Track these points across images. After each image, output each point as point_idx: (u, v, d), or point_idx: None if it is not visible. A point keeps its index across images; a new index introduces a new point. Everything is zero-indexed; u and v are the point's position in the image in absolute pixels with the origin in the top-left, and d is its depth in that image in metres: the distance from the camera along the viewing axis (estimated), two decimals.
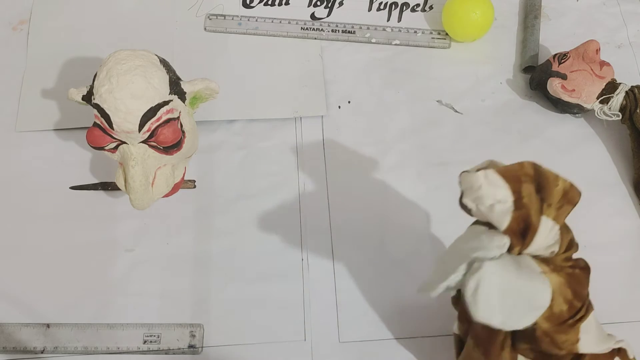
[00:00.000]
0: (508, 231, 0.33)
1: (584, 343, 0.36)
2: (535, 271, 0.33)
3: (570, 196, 0.33)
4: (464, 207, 0.34)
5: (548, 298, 0.33)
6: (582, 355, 0.37)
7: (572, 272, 0.35)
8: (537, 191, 0.33)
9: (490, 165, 0.34)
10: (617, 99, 0.54)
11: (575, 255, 0.36)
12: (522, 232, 0.33)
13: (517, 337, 0.37)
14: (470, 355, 0.39)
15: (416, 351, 0.48)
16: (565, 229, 0.36)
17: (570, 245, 0.36)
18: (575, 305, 0.35)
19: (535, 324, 0.33)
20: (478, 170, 0.33)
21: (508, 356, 0.37)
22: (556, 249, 0.35)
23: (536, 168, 0.33)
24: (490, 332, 0.36)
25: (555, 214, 0.33)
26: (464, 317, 0.40)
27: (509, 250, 0.33)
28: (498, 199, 0.32)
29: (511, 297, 0.32)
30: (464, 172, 0.34)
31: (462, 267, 0.33)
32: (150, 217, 0.53)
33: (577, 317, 0.35)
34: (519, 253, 0.34)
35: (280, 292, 0.51)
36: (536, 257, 0.35)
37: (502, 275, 0.32)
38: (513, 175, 0.32)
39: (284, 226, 0.53)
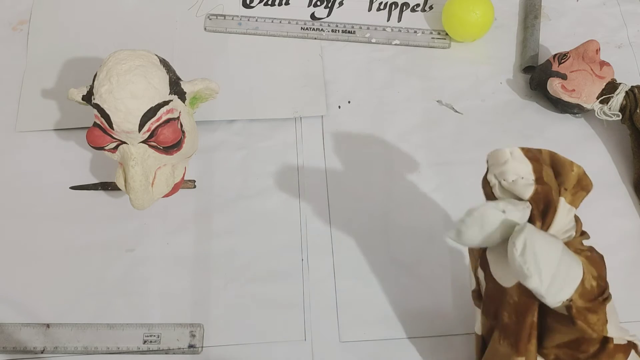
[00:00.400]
0: (531, 201, 0.34)
1: (610, 326, 0.36)
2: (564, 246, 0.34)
3: (584, 183, 0.35)
4: (486, 184, 0.36)
5: (580, 271, 0.33)
6: (607, 342, 0.36)
7: (591, 255, 0.36)
8: (555, 176, 0.35)
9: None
10: (617, 99, 0.54)
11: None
12: (543, 210, 0.34)
13: (548, 327, 0.36)
14: (496, 350, 0.39)
15: (416, 351, 0.48)
16: (576, 217, 0.37)
17: (583, 232, 0.37)
18: (601, 284, 0.35)
19: (570, 300, 0.33)
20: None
21: (534, 348, 0.37)
22: (573, 233, 0.36)
23: (552, 155, 0.36)
24: (519, 319, 0.36)
25: (571, 198, 0.35)
26: (489, 309, 0.40)
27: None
28: (521, 175, 0.34)
29: (554, 262, 0.32)
30: (493, 150, 0.36)
31: (491, 203, 0.33)
32: (150, 217, 0.53)
33: (605, 295, 0.35)
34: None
35: (280, 292, 0.51)
36: None
37: (544, 238, 0.32)
38: (535, 157, 0.35)
39: (284, 226, 0.53)
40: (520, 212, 0.33)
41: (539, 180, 0.34)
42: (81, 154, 0.56)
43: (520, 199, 0.34)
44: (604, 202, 0.54)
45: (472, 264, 0.41)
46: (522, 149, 0.35)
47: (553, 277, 0.32)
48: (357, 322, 0.50)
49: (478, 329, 0.42)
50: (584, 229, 0.37)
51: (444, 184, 0.55)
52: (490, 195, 0.36)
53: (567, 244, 0.35)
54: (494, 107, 0.59)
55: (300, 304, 0.50)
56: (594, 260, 0.36)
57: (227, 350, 0.49)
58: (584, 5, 0.65)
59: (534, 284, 0.32)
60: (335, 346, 0.49)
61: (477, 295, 0.42)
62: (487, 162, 0.36)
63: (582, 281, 0.33)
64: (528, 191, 0.34)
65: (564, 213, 0.35)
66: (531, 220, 0.34)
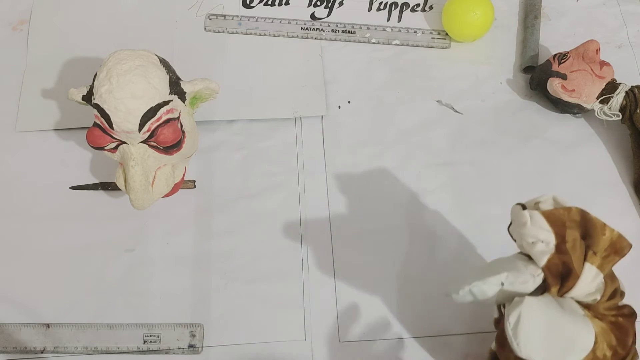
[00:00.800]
0: (545, 269, 0.33)
1: None
2: (579, 313, 0.33)
3: (619, 247, 0.34)
4: (511, 235, 0.35)
5: (591, 340, 0.32)
6: None
7: (616, 320, 0.34)
8: (583, 237, 0.33)
9: (548, 201, 0.34)
10: (617, 99, 0.54)
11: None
12: (562, 275, 0.33)
13: None
14: None
15: (416, 351, 0.48)
16: (610, 278, 0.35)
17: (614, 294, 0.35)
18: (619, 353, 0.34)
19: None
20: (536, 203, 0.34)
21: None
22: (598, 297, 0.34)
23: (583, 215, 0.34)
24: None
25: (600, 262, 0.33)
26: (501, 341, 0.38)
27: (547, 290, 0.33)
28: (540, 239, 0.33)
29: (553, 335, 0.32)
30: (516, 204, 0.34)
31: (491, 279, 0.33)
32: (150, 217, 0.53)
33: None
34: (561, 296, 0.33)
35: (280, 292, 0.51)
36: (579, 302, 0.34)
37: (543, 311, 0.32)
38: (559, 220, 0.33)
39: (284, 226, 0.53)
40: (522, 286, 0.33)
41: (559, 246, 0.33)
42: (81, 154, 0.56)
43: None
44: (604, 202, 0.54)
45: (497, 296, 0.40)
46: (544, 212, 0.33)
47: (549, 353, 0.31)
48: (357, 322, 0.50)
49: (494, 346, 0.41)
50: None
51: (444, 184, 0.55)
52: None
53: (589, 307, 0.34)
54: (494, 107, 0.59)
55: (300, 304, 0.50)
56: (618, 326, 0.34)
57: (227, 350, 0.49)
58: (584, 5, 0.65)
59: (525, 357, 0.31)
60: (335, 346, 0.49)
61: (496, 322, 0.41)
62: (511, 216, 0.35)
63: (594, 350, 0.32)
64: (543, 259, 0.33)
65: (588, 279, 0.33)
66: (546, 285, 0.33)
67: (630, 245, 0.34)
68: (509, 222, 0.36)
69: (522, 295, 0.33)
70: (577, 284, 0.33)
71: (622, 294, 0.36)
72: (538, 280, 0.33)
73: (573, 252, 0.33)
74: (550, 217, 0.33)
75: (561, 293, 0.34)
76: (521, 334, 0.31)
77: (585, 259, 0.33)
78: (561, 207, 0.34)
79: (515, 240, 0.36)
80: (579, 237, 0.33)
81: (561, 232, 0.33)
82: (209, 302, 0.50)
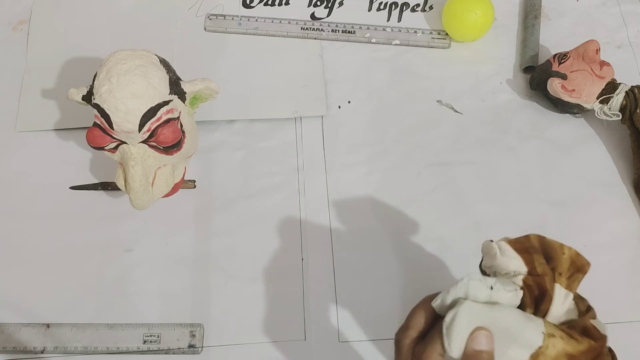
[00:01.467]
0: (523, 287, 0.34)
1: None
2: (526, 314, 0.33)
3: (579, 264, 0.34)
4: (483, 272, 0.36)
5: (540, 338, 0.32)
6: None
7: (579, 343, 0.33)
8: (547, 261, 0.34)
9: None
10: (617, 99, 0.54)
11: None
12: (536, 299, 0.33)
13: None
14: None
15: None
16: (579, 298, 0.35)
17: (588, 310, 0.35)
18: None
19: None
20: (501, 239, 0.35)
21: None
22: (574, 317, 0.34)
23: (540, 239, 0.34)
24: None
25: (567, 283, 0.34)
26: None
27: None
28: (512, 270, 0.34)
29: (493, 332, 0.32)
30: (486, 241, 0.35)
31: (486, 278, 0.33)
32: (150, 217, 0.53)
33: None
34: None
35: (280, 292, 0.51)
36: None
37: (482, 313, 0.32)
38: (524, 247, 0.34)
39: (284, 226, 0.53)
40: (509, 294, 0.33)
41: (531, 272, 0.34)
42: (81, 154, 0.56)
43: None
44: (604, 202, 0.54)
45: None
46: (510, 241, 0.34)
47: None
48: (357, 322, 0.50)
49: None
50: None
51: (443, 184, 0.55)
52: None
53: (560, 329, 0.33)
54: (494, 107, 0.59)
55: (300, 304, 0.50)
56: (587, 351, 0.33)
57: (227, 350, 0.49)
58: (584, 5, 0.65)
59: (456, 357, 0.31)
60: (334, 346, 0.49)
61: None
62: (482, 251, 0.36)
63: (544, 349, 0.32)
64: (518, 280, 0.34)
65: (560, 300, 0.34)
66: (522, 306, 0.34)
67: (589, 263, 0.35)
68: (481, 260, 0.37)
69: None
70: (551, 307, 0.34)
71: (593, 311, 0.35)
72: (518, 297, 0.33)
73: (545, 273, 0.34)
74: (515, 245, 0.34)
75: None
76: (454, 334, 0.31)
77: (554, 281, 0.34)
78: (520, 236, 0.35)
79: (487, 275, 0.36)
80: (544, 260, 0.34)
81: (529, 258, 0.34)
82: (209, 302, 0.50)
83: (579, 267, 0.34)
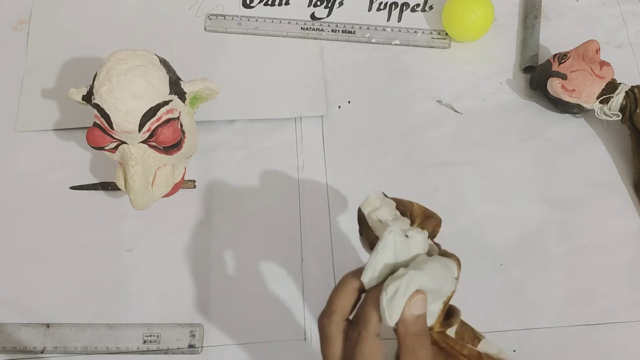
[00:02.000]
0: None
1: None
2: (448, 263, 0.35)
3: (429, 213, 0.38)
4: (363, 239, 0.39)
5: (454, 283, 0.34)
6: None
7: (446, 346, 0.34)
8: (402, 213, 0.38)
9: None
10: (617, 99, 0.54)
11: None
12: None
13: None
14: None
15: None
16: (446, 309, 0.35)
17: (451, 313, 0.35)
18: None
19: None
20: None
21: None
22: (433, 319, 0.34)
23: (395, 199, 0.39)
24: None
25: (421, 224, 0.38)
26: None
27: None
28: (393, 214, 0.38)
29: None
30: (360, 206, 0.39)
31: (395, 230, 0.34)
32: (150, 217, 0.53)
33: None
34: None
35: (280, 292, 0.51)
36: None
37: (419, 278, 0.32)
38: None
39: (284, 226, 0.53)
40: (420, 235, 0.34)
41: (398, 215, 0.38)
42: (81, 154, 0.56)
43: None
44: (604, 202, 0.54)
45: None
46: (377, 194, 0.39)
47: None
48: None
49: None
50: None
51: (444, 184, 0.55)
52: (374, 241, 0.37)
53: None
54: (494, 107, 0.59)
55: (300, 304, 0.50)
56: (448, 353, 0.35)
57: (227, 350, 0.49)
58: (584, 5, 0.65)
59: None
60: None
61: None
62: (363, 208, 0.38)
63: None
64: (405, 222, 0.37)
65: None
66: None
67: (440, 217, 0.38)
68: (358, 230, 0.39)
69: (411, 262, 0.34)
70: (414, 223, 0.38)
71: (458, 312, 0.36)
72: (426, 233, 0.35)
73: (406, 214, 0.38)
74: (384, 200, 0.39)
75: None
76: (396, 305, 0.31)
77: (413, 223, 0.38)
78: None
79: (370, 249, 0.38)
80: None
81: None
82: (209, 302, 0.50)
83: (428, 215, 0.38)
